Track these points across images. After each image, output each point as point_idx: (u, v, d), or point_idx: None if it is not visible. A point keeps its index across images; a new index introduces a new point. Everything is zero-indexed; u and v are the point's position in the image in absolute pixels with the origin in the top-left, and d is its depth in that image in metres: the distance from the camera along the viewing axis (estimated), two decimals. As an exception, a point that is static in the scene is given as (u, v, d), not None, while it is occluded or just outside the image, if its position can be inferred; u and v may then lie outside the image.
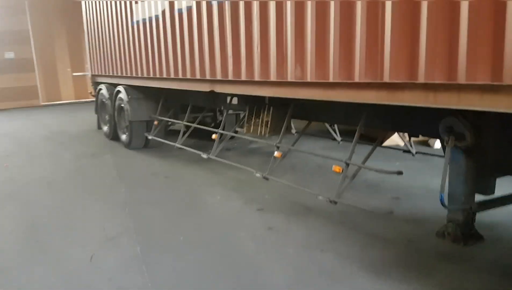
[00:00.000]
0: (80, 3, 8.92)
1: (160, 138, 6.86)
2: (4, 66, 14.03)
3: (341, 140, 5.82)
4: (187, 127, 6.42)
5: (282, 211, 4.09)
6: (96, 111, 8.76)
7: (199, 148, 5.94)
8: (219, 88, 4.60)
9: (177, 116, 6.96)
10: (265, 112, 4.49)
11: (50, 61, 14.89)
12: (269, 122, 4.36)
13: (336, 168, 3.46)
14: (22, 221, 4.06)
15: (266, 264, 3.09)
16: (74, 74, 15.32)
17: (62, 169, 6.18)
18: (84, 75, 15.56)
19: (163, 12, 5.48)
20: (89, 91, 8.86)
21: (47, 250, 3.42)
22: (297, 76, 3.40)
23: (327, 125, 5.76)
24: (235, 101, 5.53)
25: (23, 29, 14.29)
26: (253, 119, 4.63)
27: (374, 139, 4.17)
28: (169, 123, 7.12)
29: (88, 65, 15.72)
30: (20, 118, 11.87)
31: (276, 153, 4.11)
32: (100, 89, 8.28)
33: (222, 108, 6.09)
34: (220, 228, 3.78)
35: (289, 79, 3.49)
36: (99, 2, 7.66)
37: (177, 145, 6.16)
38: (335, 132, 5.82)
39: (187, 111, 6.24)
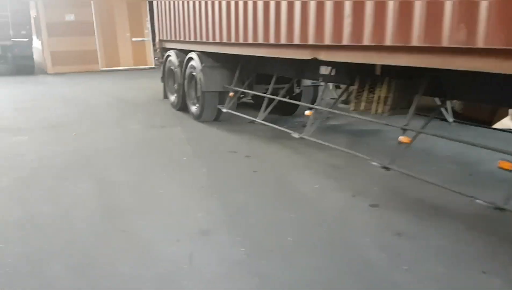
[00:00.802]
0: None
1: (233, 110, 6.23)
2: (64, 28, 13.82)
3: (453, 121, 4.91)
4: (264, 99, 5.71)
5: (404, 210, 3.34)
6: (163, 79, 8.23)
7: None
8: (324, 55, 3.83)
9: (252, 87, 6.30)
10: (382, 86, 3.69)
11: (109, 26, 14.55)
12: (389, 98, 3.56)
13: (505, 164, 2.62)
14: (99, 204, 3.56)
15: (413, 287, 2.38)
16: (134, 39, 15.05)
17: (131, 140, 5.70)
18: (143, 41, 15.28)
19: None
20: (156, 57, 8.31)
21: (135, 243, 2.88)
22: (460, 40, 2.56)
23: (438, 102, 4.85)
24: (326, 70, 4.75)
25: (84, -10, 13.98)
26: (364, 94, 3.84)
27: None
28: (241, 95, 6.45)
29: (148, 31, 15.41)
30: (81, 82, 11.64)
31: (402, 138, 3.31)
32: (169, 56, 7.71)
33: (312, 80, 5.34)
34: (331, 228, 3.09)
35: (444, 44, 2.66)
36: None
37: (258, 120, 5.49)
38: (447, 111, 4.91)
39: (272, 82, 5.52)
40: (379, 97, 3.65)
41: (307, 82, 6.52)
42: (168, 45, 7.89)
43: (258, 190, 3.86)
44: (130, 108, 8.00)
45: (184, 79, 7.06)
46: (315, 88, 6.73)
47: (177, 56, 7.35)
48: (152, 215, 3.31)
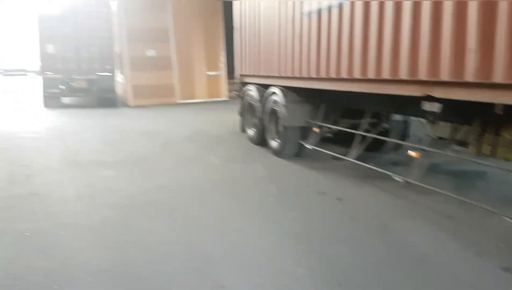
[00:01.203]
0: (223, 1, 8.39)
1: (315, 146, 5.89)
2: (145, 63, 14.46)
3: None
4: (349, 134, 5.33)
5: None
6: (241, 113, 8.15)
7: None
8: (440, 93, 3.39)
9: (336, 122, 5.94)
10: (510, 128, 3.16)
11: (187, 60, 15.03)
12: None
13: None
14: (186, 253, 3.32)
15: None
16: (209, 73, 15.41)
17: (214, 176, 5.53)
18: (217, 75, 15.62)
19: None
20: (234, 91, 8.28)
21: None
22: None
23: None
24: (432, 107, 4.27)
25: (164, 26, 14.60)
26: (487, 135, 3.32)
27: None
28: (326, 130, 6.11)
29: (222, 65, 15.75)
30: (160, 115, 11.97)
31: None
32: (249, 90, 7.62)
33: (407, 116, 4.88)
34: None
35: None
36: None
37: (349, 158, 5.09)
38: None
39: (364, 118, 5.14)
40: (508, 140, 3.12)
41: (396, 115, 6.06)
42: (248, 80, 7.81)
43: (362, 243, 3.42)
44: (209, 141, 7.95)
45: (264, 113, 6.88)
46: (405, 123, 6.23)
47: (258, 91, 7.22)
48: (244, 268, 3.00)
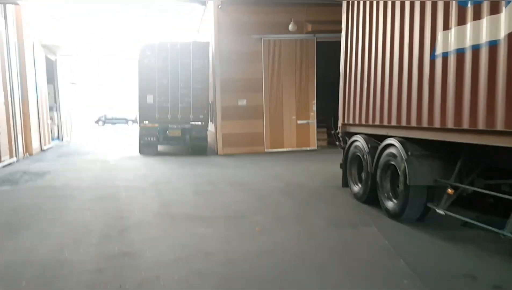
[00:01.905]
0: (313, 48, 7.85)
1: (449, 210, 4.83)
2: (236, 112, 14.39)
3: None
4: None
5: None
6: (343, 166, 7.33)
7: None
8: None
9: (473, 182, 4.87)
10: None
11: (277, 109, 14.72)
12: None
13: None
14: None
15: None
16: (299, 122, 14.91)
17: (320, 243, 4.72)
18: (307, 123, 15.08)
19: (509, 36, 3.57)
20: (337, 142, 7.55)
21: None
22: None
23: None
24: None
25: (257, 77, 14.54)
26: None
27: None
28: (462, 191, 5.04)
29: (313, 113, 15.23)
30: (250, 164, 11.54)
31: None
32: (355, 141, 6.83)
33: None
34: None
35: None
36: (373, 34, 6.29)
37: (507, 233, 3.97)
38: None
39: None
40: None
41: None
42: (353, 129, 7.05)
43: None
44: (306, 196, 7.18)
45: (376, 168, 6.00)
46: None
47: (367, 142, 6.40)
48: None
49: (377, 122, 6.14)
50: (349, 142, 7.08)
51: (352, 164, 7.01)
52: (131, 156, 13.62)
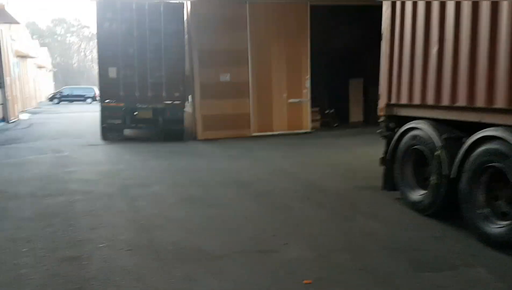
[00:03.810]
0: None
1: None
2: (217, 90, 12.14)
3: None
4: None
5: None
6: (388, 163, 5.39)
7: None
8: None
9: None
10: None
11: (265, 86, 12.57)
12: None
13: None
14: None
15: None
16: (291, 100, 12.84)
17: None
18: (300, 102, 13.04)
19: None
20: (379, 130, 5.57)
21: None
22: None
23: None
24: None
25: (240, 48, 12.29)
26: None
27: None
28: None
29: (307, 90, 13.18)
30: (240, 154, 9.42)
31: None
32: (412, 129, 4.87)
33: None
34: None
35: None
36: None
37: None
38: None
39: None
40: None
41: None
42: (408, 112, 5.08)
43: None
44: (339, 207, 5.22)
45: (461, 170, 4.08)
46: None
47: (439, 131, 4.45)
48: None
49: (460, 102, 4.19)
50: (400, 131, 5.10)
51: (405, 162, 5.06)
52: (91, 143, 11.17)
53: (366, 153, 8.98)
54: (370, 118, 15.02)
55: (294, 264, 3.51)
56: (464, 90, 4.14)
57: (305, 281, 3.17)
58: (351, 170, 7.33)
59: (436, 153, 4.43)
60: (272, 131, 12.66)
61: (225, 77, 12.22)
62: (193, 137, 11.98)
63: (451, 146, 4.29)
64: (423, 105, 4.76)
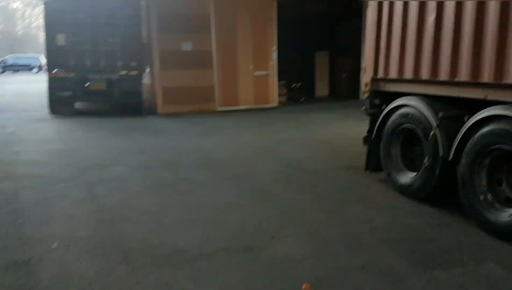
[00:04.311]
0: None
1: None
2: (179, 59, 11.29)
3: None
4: None
5: None
6: (372, 143, 5.01)
7: None
8: None
9: None
10: None
11: (230, 56, 11.87)
12: None
13: None
14: None
15: None
16: (257, 73, 12.23)
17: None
18: (267, 75, 12.46)
19: None
20: (362, 108, 5.14)
21: None
22: None
23: None
24: None
25: (204, 13, 11.44)
26: None
27: None
28: None
29: (274, 62, 12.57)
30: (208, 130, 8.82)
31: None
32: (401, 106, 4.48)
33: None
34: None
35: None
36: None
37: None
38: None
39: None
40: None
41: None
42: (398, 88, 4.67)
43: None
44: (325, 189, 4.81)
45: (460, 153, 3.75)
46: None
47: (434, 109, 4.08)
48: None
49: (462, 77, 3.81)
50: (387, 108, 4.70)
51: (393, 142, 4.69)
52: (38, 117, 10.14)
53: (340, 129, 8.66)
54: (336, 92, 14.75)
55: (287, 264, 3.06)
56: (467, 63, 3.75)
57: (304, 286, 2.72)
58: (329, 147, 6.95)
59: (431, 133, 4.07)
60: (239, 105, 12.08)
61: (187, 46, 11.39)
62: (153, 112, 11.18)
63: (448, 125, 3.94)
64: (416, 80, 4.36)
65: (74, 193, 4.59)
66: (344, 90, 14.26)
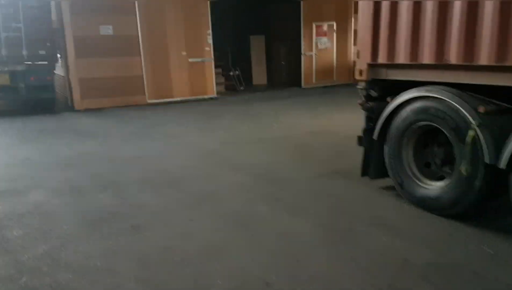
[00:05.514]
0: None
1: None
2: (98, 46, 9.55)
3: None
4: None
5: None
6: (367, 143, 4.05)
7: None
8: None
9: None
10: None
11: (159, 41, 10.33)
12: None
13: None
14: None
15: None
16: (191, 59, 10.81)
17: None
18: (202, 62, 11.05)
19: None
20: (360, 102, 4.13)
21: None
22: None
23: None
24: None
25: (126, -7, 9.78)
26: None
27: None
28: None
29: (209, 49, 11.17)
30: (143, 130, 7.32)
31: None
32: (416, 99, 3.53)
33: None
34: None
35: None
36: None
37: None
38: None
39: None
40: None
41: None
42: (406, 76, 3.72)
43: None
44: (321, 209, 3.75)
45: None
46: None
47: (466, 102, 3.19)
48: None
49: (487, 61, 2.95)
50: (397, 101, 3.74)
51: (405, 143, 3.76)
52: None
53: (294, 121, 7.69)
54: (274, 80, 13.79)
55: None
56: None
57: None
58: (292, 146, 5.90)
59: (470, 133, 3.18)
60: (173, 97, 10.65)
61: (107, 30, 9.65)
62: (69, 108, 9.33)
63: (493, 123, 3.09)
64: (440, 65, 3.44)
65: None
66: (284, 77, 13.37)
